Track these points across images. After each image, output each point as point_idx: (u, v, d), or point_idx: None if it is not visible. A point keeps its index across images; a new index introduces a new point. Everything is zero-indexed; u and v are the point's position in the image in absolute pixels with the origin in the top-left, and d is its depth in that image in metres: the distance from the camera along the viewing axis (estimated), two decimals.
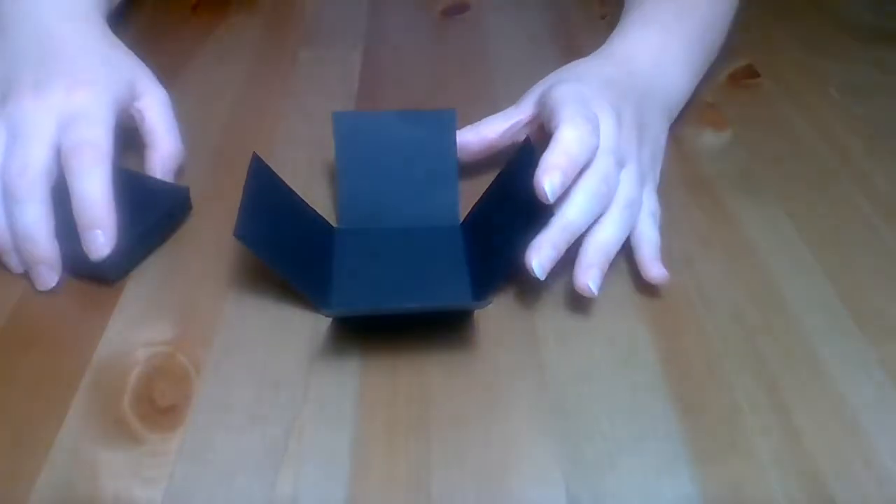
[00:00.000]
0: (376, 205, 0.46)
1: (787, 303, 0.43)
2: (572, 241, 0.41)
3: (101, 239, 0.41)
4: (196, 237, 0.46)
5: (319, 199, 0.48)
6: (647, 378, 0.38)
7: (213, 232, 0.46)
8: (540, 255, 0.39)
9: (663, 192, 0.47)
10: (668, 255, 0.43)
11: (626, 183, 0.43)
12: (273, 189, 0.44)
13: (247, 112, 0.57)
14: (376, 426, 0.36)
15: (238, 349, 0.39)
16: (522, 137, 0.48)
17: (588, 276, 0.40)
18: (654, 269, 0.42)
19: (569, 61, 0.51)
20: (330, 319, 0.41)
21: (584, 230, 0.41)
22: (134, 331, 0.40)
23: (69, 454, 0.34)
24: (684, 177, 0.52)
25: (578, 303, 0.42)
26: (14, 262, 0.42)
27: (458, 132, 0.48)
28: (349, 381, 0.38)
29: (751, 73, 0.64)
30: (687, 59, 0.55)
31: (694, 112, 0.57)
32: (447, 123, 0.47)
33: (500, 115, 0.49)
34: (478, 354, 0.39)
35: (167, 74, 0.61)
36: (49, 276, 0.42)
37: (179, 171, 0.49)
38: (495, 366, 0.39)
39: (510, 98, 0.50)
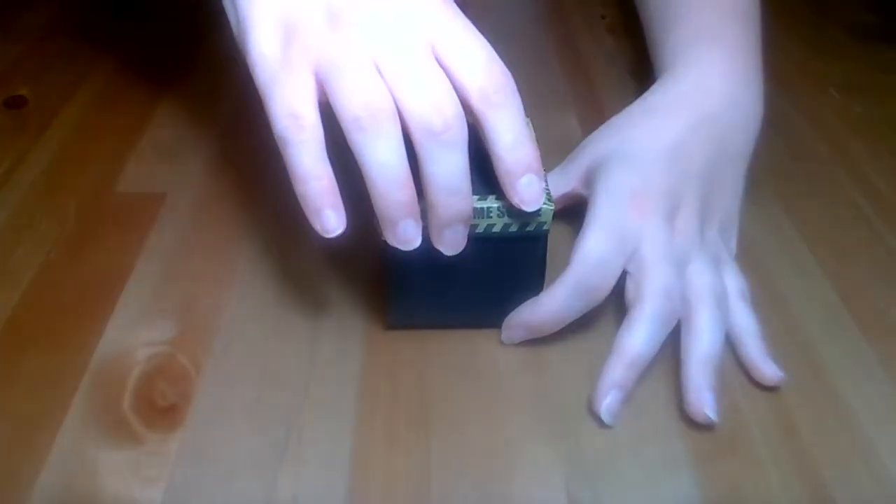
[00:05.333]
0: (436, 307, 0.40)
1: (787, 303, 0.42)
2: (642, 372, 0.36)
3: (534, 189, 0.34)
4: (196, 237, 0.46)
5: None
6: (647, 378, 0.38)
7: (213, 232, 0.46)
8: (608, 400, 0.35)
9: None
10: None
11: (702, 276, 0.38)
12: None
13: (249, 112, 0.57)
14: (376, 426, 0.36)
15: (238, 349, 0.39)
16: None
17: (703, 403, 0.35)
18: (766, 367, 0.37)
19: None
20: (330, 316, 0.41)
21: (653, 356, 0.36)
22: (134, 331, 0.40)
23: (69, 454, 0.34)
24: None
25: None
26: (331, 222, 0.33)
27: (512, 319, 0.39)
28: (349, 381, 0.38)
29: None
30: (755, 76, 0.46)
31: None
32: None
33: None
34: (478, 354, 0.39)
35: (169, 74, 0.61)
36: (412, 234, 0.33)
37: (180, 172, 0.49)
38: (495, 366, 0.39)
39: None
